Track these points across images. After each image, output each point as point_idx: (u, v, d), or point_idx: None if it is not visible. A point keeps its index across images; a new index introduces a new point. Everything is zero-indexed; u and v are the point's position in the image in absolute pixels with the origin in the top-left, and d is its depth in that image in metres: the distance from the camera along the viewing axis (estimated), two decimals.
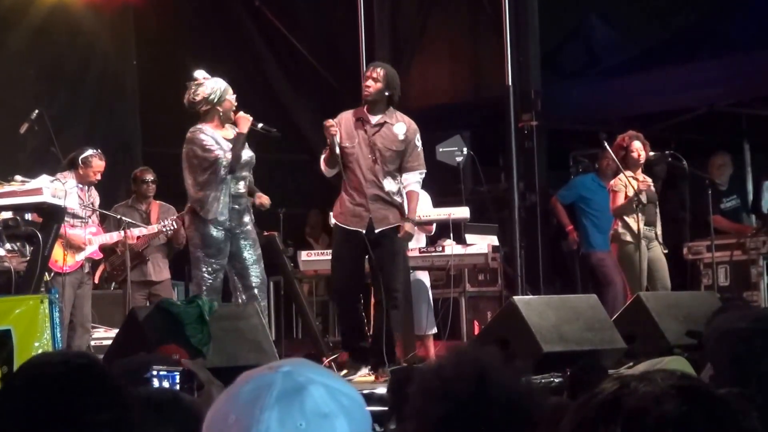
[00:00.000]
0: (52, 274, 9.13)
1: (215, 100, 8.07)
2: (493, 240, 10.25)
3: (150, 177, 10.51)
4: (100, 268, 10.37)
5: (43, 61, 12.31)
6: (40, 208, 7.80)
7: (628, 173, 9.45)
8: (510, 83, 11.83)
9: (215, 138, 8.03)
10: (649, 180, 9.66)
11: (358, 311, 8.31)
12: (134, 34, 13.02)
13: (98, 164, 9.68)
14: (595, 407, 1.51)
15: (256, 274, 8.16)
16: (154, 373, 5.63)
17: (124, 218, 10.01)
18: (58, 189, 7.75)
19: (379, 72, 8.22)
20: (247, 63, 13.25)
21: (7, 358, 6.59)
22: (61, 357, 2.19)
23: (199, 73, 8.13)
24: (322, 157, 8.27)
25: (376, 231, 8.05)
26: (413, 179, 8.22)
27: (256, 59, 13.71)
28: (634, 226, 9.34)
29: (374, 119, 8.16)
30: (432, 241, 10.02)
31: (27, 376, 2.13)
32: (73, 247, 9.54)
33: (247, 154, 8.13)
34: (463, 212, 9.95)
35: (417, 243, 9.59)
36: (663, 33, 13.14)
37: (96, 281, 10.28)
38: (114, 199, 10.90)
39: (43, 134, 10.19)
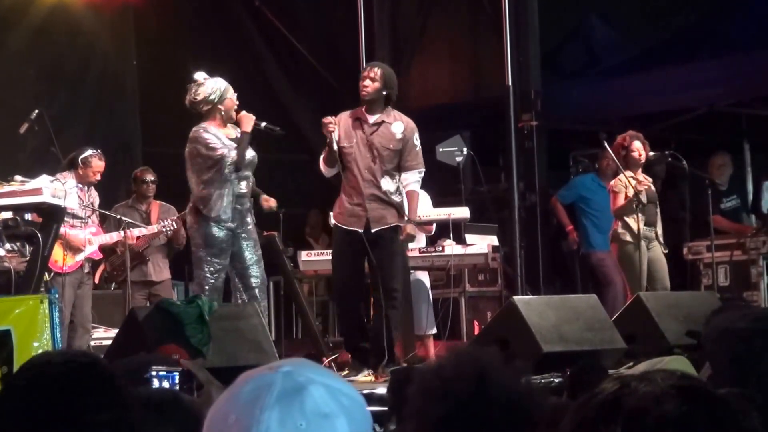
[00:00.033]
0: (52, 274, 9.13)
1: (216, 100, 8.08)
2: (493, 240, 10.25)
3: (150, 177, 10.51)
4: (101, 268, 10.37)
5: (43, 61, 12.31)
6: (40, 208, 7.80)
7: (628, 173, 9.45)
8: (510, 83, 11.83)
9: (218, 136, 8.04)
10: (649, 179, 9.67)
11: (358, 311, 8.31)
12: (134, 34, 13.01)
13: (98, 164, 9.68)
14: (595, 407, 1.51)
15: (256, 274, 8.16)
16: (154, 373, 5.63)
17: (124, 218, 10.01)
18: (57, 189, 7.75)
19: (377, 71, 8.23)
20: (247, 63, 13.25)
21: (7, 358, 6.58)
22: (62, 356, 2.19)
23: (200, 75, 8.15)
24: (321, 156, 8.28)
25: (373, 231, 8.06)
26: (413, 179, 8.22)
27: (256, 59, 13.71)
28: (634, 226, 9.34)
29: (372, 119, 8.17)
30: (432, 241, 10.02)
31: (29, 375, 2.13)
32: (72, 247, 9.54)
33: (249, 153, 8.15)
34: (463, 212, 9.95)
35: (417, 243, 9.58)
36: (663, 33, 13.13)
37: (96, 281, 10.29)
38: (114, 199, 10.90)
39: (43, 134, 10.19)
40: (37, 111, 10.09)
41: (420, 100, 12.25)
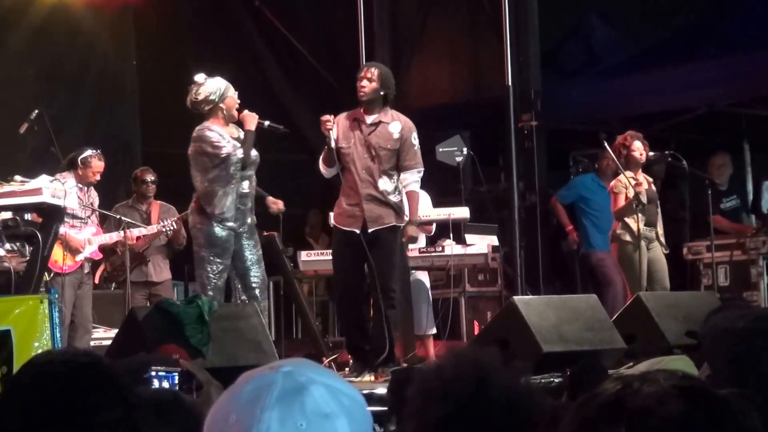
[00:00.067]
0: (52, 275, 9.13)
1: (217, 99, 8.09)
2: (493, 240, 10.25)
3: (150, 177, 10.51)
4: (101, 268, 10.38)
5: (43, 61, 12.30)
6: (40, 208, 7.80)
7: (629, 173, 9.45)
8: (510, 83, 11.83)
9: (223, 135, 8.06)
10: (650, 179, 9.67)
11: (359, 312, 8.29)
12: (134, 34, 13.01)
13: (97, 165, 9.68)
14: (596, 408, 1.51)
15: (256, 274, 8.17)
16: (153, 373, 5.63)
17: (124, 218, 10.01)
18: (57, 189, 7.75)
19: (373, 72, 8.24)
20: (247, 63, 13.25)
21: (7, 358, 6.59)
22: (64, 356, 2.18)
23: (200, 77, 8.17)
24: (321, 157, 8.29)
25: (370, 231, 8.06)
26: (412, 178, 8.23)
27: (256, 59, 13.71)
28: (634, 227, 9.34)
29: (370, 119, 8.18)
30: (432, 241, 10.02)
31: (30, 374, 2.13)
32: (72, 247, 9.54)
33: (253, 152, 8.17)
34: (463, 212, 9.95)
35: (417, 243, 9.58)
36: (663, 33, 13.13)
37: (96, 281, 10.28)
38: (114, 199, 10.90)
39: (43, 134, 10.19)
40: (37, 111, 10.08)
41: (420, 99, 12.25)
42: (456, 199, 10.28)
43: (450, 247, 9.74)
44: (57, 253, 8.97)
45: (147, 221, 10.35)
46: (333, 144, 8.11)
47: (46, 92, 12.08)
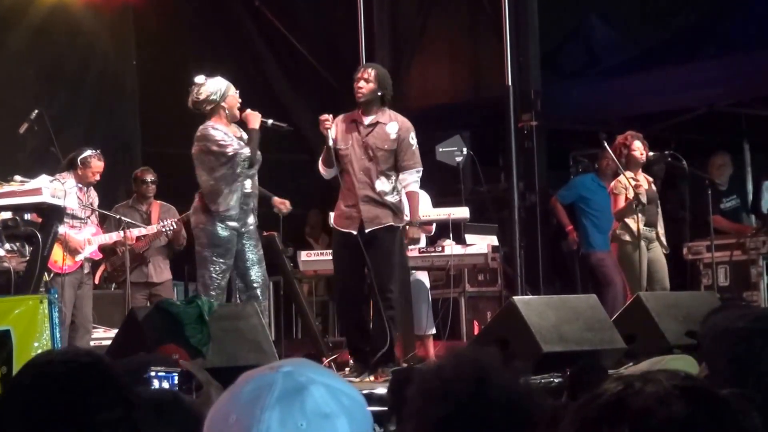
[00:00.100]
0: (52, 275, 9.13)
1: (218, 98, 8.10)
2: (493, 240, 10.24)
3: (150, 177, 10.51)
4: (101, 268, 10.38)
5: (43, 61, 12.30)
6: (40, 208, 7.80)
7: (629, 174, 9.45)
8: (510, 83, 11.83)
9: (227, 133, 8.07)
10: (650, 179, 9.66)
11: (359, 313, 8.29)
12: (134, 34, 13.01)
13: (97, 165, 9.68)
14: (598, 408, 1.51)
15: (257, 274, 8.17)
16: (153, 373, 5.63)
17: (124, 218, 10.01)
18: (57, 189, 7.75)
19: (370, 72, 8.24)
20: (247, 63, 13.26)
21: (7, 358, 6.58)
22: (65, 355, 2.19)
23: (199, 78, 8.18)
24: (320, 158, 8.29)
25: (367, 231, 8.05)
26: (411, 179, 8.22)
27: (256, 59, 13.71)
28: (634, 227, 9.34)
29: (367, 120, 8.18)
30: (432, 241, 10.02)
31: (31, 374, 2.13)
32: (71, 247, 9.53)
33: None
34: (462, 212, 9.95)
35: (417, 243, 9.58)
36: (663, 33, 13.13)
37: (96, 281, 10.28)
38: (114, 199, 10.90)
39: (42, 134, 10.19)
40: (36, 111, 10.08)
41: (420, 100, 12.25)
42: (456, 199, 10.27)
43: (450, 247, 9.74)
44: (57, 253, 8.97)
45: (147, 221, 10.35)
46: (332, 143, 8.12)
47: (46, 92, 12.08)
